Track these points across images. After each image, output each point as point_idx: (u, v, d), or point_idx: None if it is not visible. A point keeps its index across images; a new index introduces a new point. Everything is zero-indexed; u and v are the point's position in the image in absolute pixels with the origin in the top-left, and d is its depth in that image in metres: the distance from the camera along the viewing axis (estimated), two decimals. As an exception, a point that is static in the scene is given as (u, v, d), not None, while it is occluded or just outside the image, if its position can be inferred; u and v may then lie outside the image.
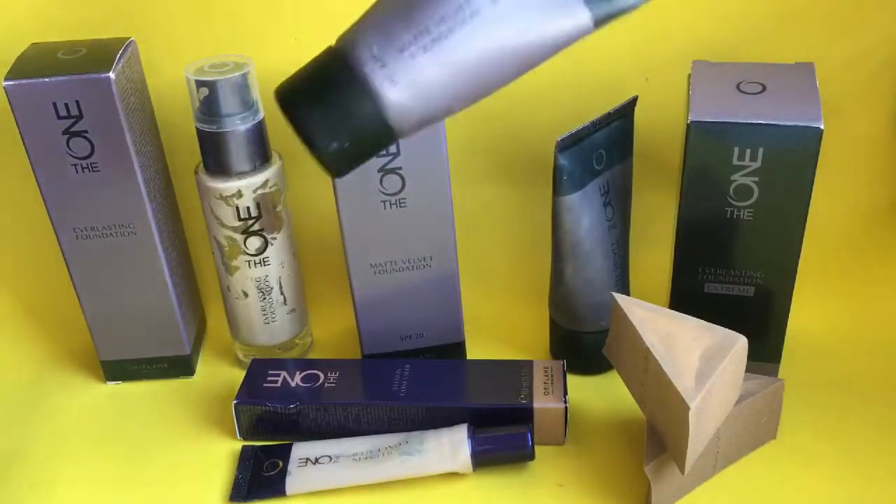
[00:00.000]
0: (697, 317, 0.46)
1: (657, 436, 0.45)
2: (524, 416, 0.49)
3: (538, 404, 0.49)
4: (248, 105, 0.50)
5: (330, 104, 0.34)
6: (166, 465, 0.51)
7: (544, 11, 0.34)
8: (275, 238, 0.54)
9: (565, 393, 0.50)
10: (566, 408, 0.49)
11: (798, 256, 0.48)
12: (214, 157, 0.51)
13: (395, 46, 0.34)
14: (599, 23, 0.34)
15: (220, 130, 0.50)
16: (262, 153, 0.52)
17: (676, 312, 0.46)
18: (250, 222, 0.53)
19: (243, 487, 0.48)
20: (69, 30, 0.55)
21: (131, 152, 0.50)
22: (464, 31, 0.34)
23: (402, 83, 0.34)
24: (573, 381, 0.54)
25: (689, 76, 0.49)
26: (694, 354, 0.43)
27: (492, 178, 0.64)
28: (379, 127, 0.34)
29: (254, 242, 0.53)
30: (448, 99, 0.35)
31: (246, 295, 0.55)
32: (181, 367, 0.58)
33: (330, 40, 0.63)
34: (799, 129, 0.45)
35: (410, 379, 0.52)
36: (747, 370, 0.46)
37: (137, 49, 0.53)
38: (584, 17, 0.34)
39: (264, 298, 0.55)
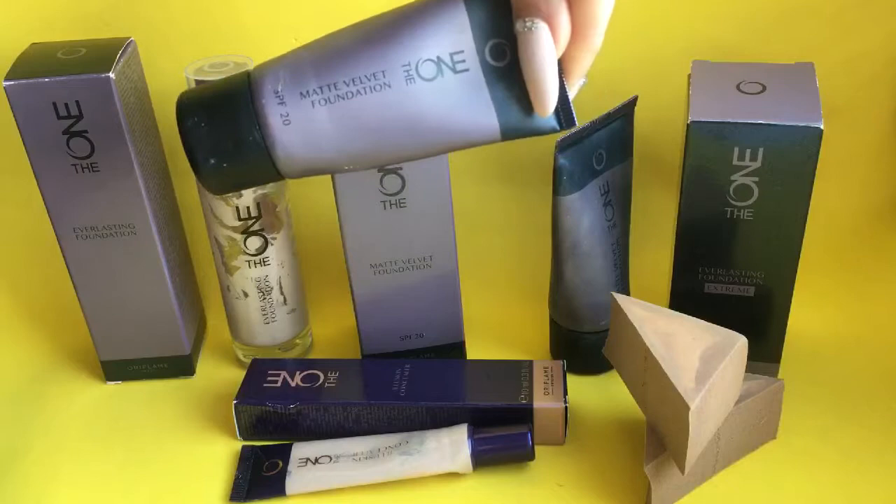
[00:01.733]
0: (697, 317, 0.46)
1: (657, 436, 0.45)
2: (524, 415, 0.49)
3: (538, 404, 0.49)
4: (248, 105, 0.50)
5: (219, 122, 0.35)
6: (166, 465, 0.51)
7: (455, 106, 0.34)
8: (275, 238, 0.54)
9: (565, 393, 0.50)
10: (566, 408, 0.49)
11: (798, 256, 0.48)
12: (214, 157, 0.51)
13: (299, 89, 0.34)
14: (507, 135, 0.35)
15: (220, 130, 0.50)
16: (262, 153, 0.52)
17: (676, 312, 0.46)
18: (250, 222, 0.53)
19: (243, 487, 0.48)
20: (69, 30, 0.56)
21: (131, 152, 0.50)
22: (370, 98, 0.34)
23: (295, 126, 0.34)
24: (573, 381, 0.54)
25: (689, 76, 0.49)
26: (694, 354, 0.43)
27: (492, 178, 0.64)
28: (262, 160, 0.35)
29: (254, 242, 0.53)
30: (337, 156, 0.35)
31: (246, 295, 0.55)
32: (181, 367, 0.58)
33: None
34: (799, 129, 0.45)
35: (410, 379, 0.52)
36: (747, 370, 0.46)
37: (137, 49, 0.53)
38: (492, 123, 0.35)
39: (264, 298, 0.55)
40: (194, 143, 0.35)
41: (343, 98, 0.34)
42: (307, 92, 0.34)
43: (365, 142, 0.35)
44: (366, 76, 0.34)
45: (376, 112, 0.34)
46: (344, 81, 0.34)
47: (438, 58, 0.34)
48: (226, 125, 0.35)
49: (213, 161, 0.35)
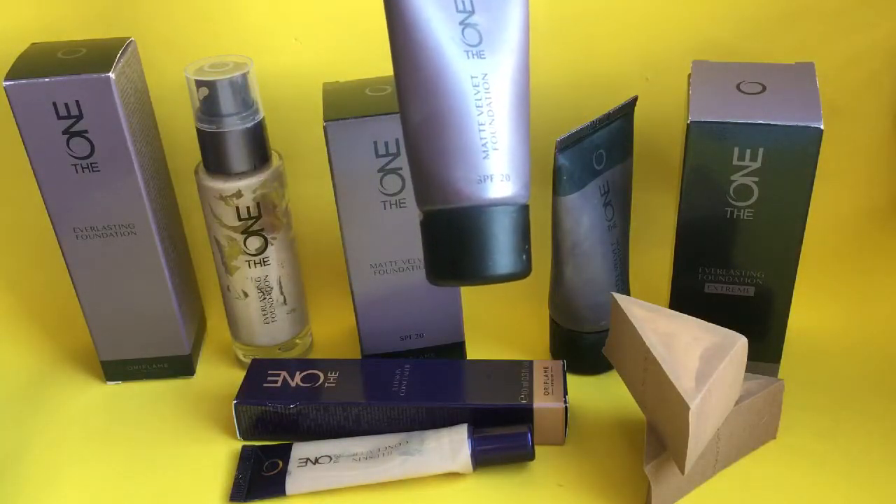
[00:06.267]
0: (697, 317, 0.46)
1: (657, 436, 0.45)
2: (524, 416, 0.49)
3: (538, 404, 0.49)
4: (248, 105, 0.51)
5: (478, 246, 0.37)
6: (166, 465, 0.51)
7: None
8: (275, 238, 0.54)
9: (565, 393, 0.50)
10: (566, 408, 0.49)
11: (798, 257, 0.48)
12: (214, 157, 0.51)
13: (476, 159, 0.37)
14: None
15: (220, 130, 0.50)
16: (261, 153, 0.52)
17: (676, 312, 0.46)
18: (250, 222, 0.53)
19: (243, 487, 0.48)
20: (69, 30, 0.55)
21: (131, 152, 0.50)
22: (498, 81, 0.37)
23: (510, 174, 0.37)
24: (573, 381, 0.54)
25: (689, 76, 0.49)
26: (694, 354, 0.43)
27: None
28: (521, 212, 0.38)
29: (254, 242, 0.53)
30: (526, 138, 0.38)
31: (246, 295, 0.55)
32: (181, 367, 0.58)
33: (330, 40, 0.63)
34: (799, 129, 0.45)
35: (410, 379, 0.52)
36: (747, 370, 0.46)
37: (137, 49, 0.53)
38: None
39: (264, 298, 0.55)
40: (501, 270, 0.38)
41: (493, 121, 0.37)
42: (482, 149, 0.37)
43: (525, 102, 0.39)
44: (473, 106, 0.37)
45: (513, 73, 0.38)
46: (480, 125, 0.37)
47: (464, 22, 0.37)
48: (485, 238, 0.38)
49: (524, 256, 0.38)
